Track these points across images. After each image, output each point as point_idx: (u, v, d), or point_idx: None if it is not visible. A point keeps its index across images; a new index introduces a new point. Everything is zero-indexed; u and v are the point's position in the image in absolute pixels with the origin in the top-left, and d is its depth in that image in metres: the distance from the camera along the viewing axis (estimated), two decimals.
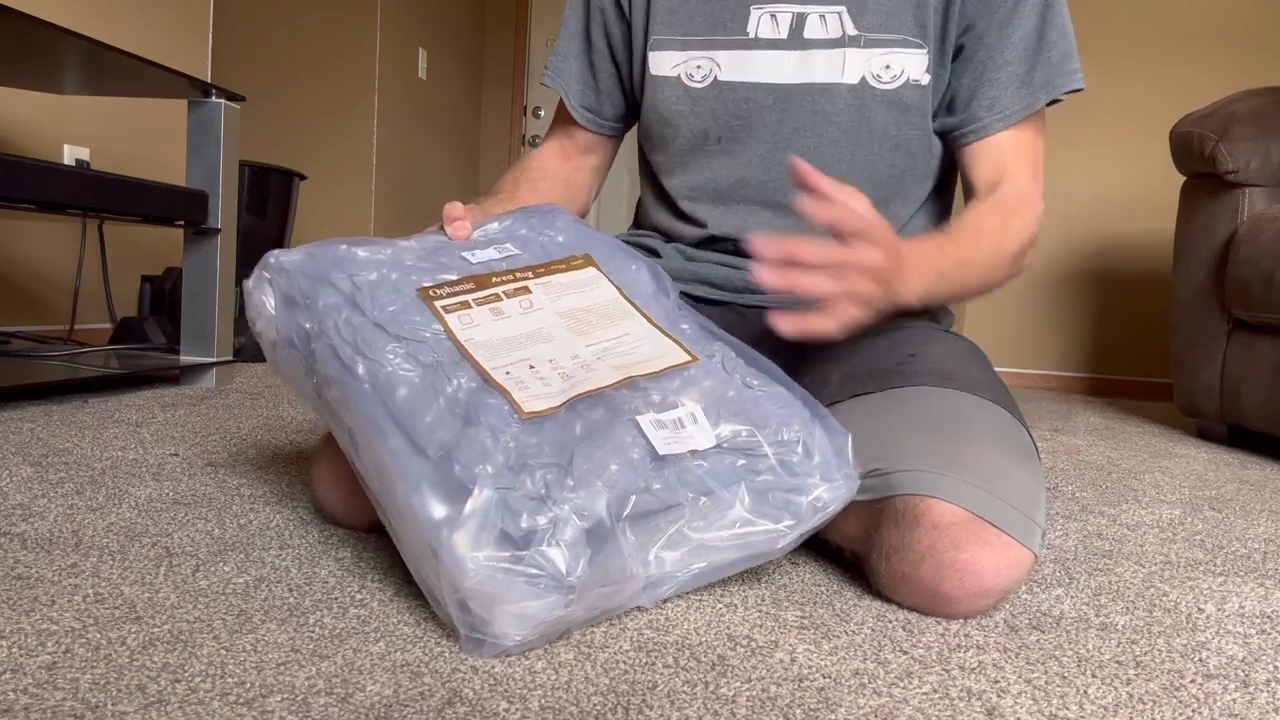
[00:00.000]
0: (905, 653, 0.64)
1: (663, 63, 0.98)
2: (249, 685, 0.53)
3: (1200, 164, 1.92)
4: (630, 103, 1.07)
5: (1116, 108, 2.99)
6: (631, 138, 1.11)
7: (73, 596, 0.65)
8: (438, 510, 0.59)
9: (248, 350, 2.21)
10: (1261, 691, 0.61)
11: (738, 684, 0.57)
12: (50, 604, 0.63)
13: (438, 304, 0.72)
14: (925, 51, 0.90)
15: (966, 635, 0.68)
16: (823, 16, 0.92)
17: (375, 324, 0.70)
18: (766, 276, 0.67)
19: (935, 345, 0.86)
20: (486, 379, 0.67)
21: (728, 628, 0.66)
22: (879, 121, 0.92)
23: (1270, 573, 0.91)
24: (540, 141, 1.13)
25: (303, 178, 2.93)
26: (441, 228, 0.83)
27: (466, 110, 4.56)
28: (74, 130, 2.22)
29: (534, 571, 0.57)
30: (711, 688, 0.56)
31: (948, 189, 1.02)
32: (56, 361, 1.73)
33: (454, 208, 0.83)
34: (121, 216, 1.60)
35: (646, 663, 0.59)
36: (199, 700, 0.50)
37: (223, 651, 0.57)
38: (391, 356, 0.68)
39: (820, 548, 0.84)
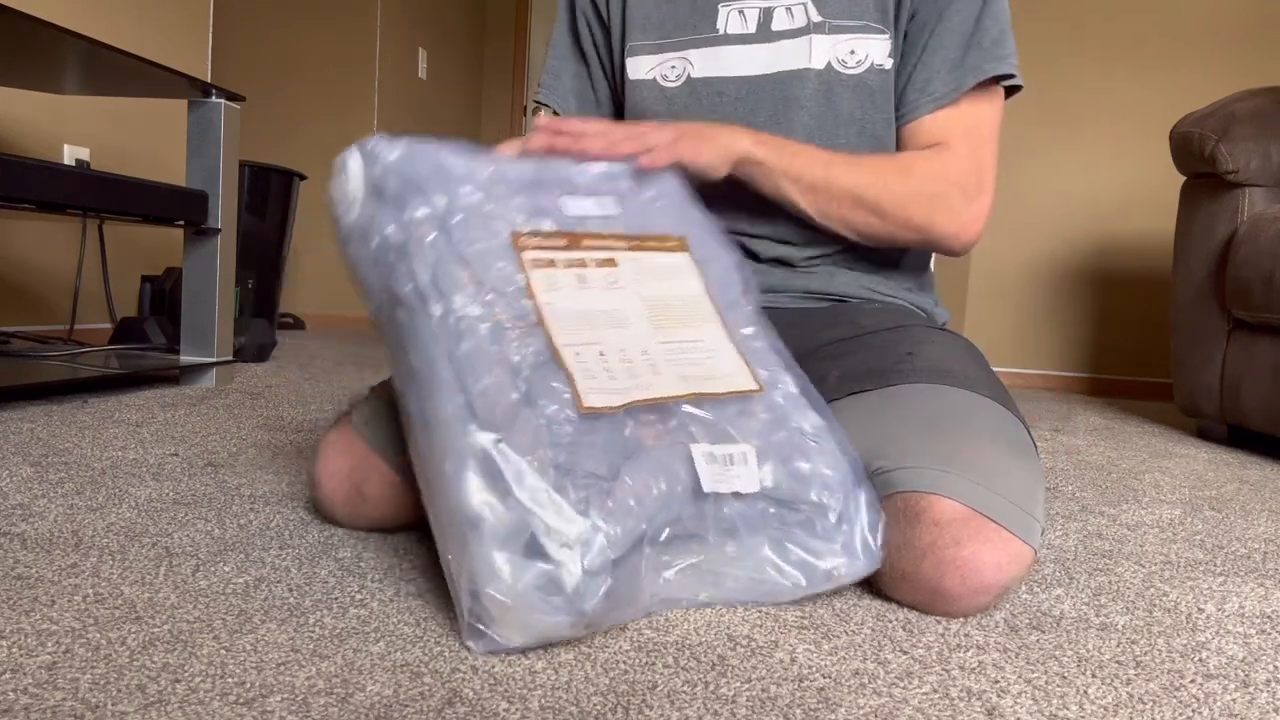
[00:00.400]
0: (905, 653, 0.64)
1: (639, 67, 1.00)
2: (249, 685, 0.53)
3: (1200, 164, 1.92)
4: (620, 108, 1.08)
5: (1116, 108, 2.98)
6: None
7: (73, 596, 0.65)
8: (477, 495, 0.59)
9: (248, 350, 2.21)
10: (1261, 691, 0.61)
11: (738, 684, 0.57)
12: (50, 604, 0.63)
13: (525, 255, 0.69)
14: (888, 37, 0.92)
15: (966, 635, 0.68)
16: (789, 9, 0.94)
17: (460, 258, 0.67)
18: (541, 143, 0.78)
19: (933, 344, 0.86)
20: (555, 355, 0.65)
21: (728, 628, 0.66)
22: (846, 106, 0.94)
23: (1270, 573, 0.91)
24: None
25: (303, 178, 2.93)
26: (542, 148, 0.80)
27: (466, 110, 4.56)
28: (74, 130, 2.22)
29: (552, 591, 0.57)
30: (711, 688, 0.56)
31: None
32: (56, 361, 1.73)
33: (557, 121, 0.82)
34: (121, 216, 1.60)
35: (646, 663, 0.59)
36: (199, 700, 0.50)
37: (223, 651, 0.57)
38: (466, 301, 0.65)
39: None
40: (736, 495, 0.66)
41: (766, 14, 0.95)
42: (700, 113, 0.97)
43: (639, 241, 0.76)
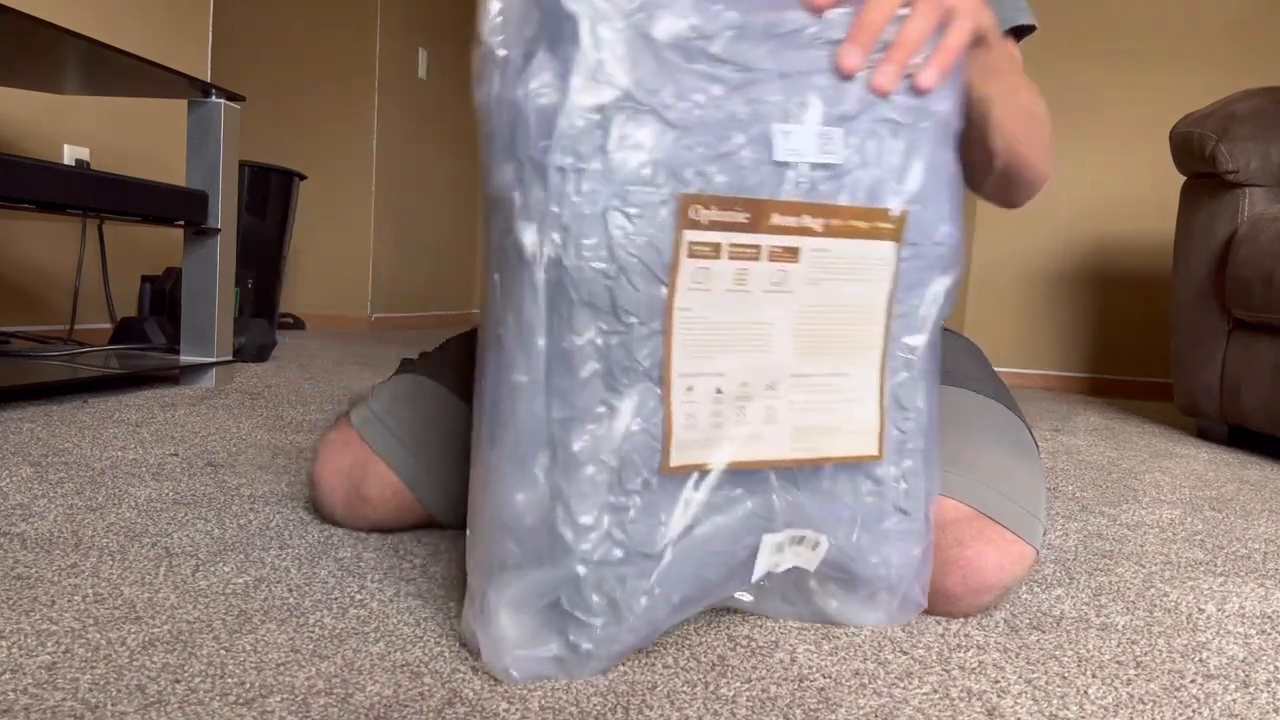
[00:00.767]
0: (905, 653, 0.64)
1: None
2: (249, 685, 0.53)
3: (1200, 164, 1.92)
4: None
5: (1116, 108, 2.98)
6: None
7: (73, 596, 0.65)
8: (519, 532, 0.54)
9: (248, 350, 2.21)
10: (1262, 692, 0.61)
11: (738, 684, 0.57)
12: (50, 604, 0.63)
13: (689, 236, 0.53)
14: None
15: (966, 635, 0.68)
16: None
17: (612, 200, 0.51)
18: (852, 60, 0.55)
19: None
20: (664, 383, 0.54)
21: (728, 628, 0.66)
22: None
23: (1270, 573, 0.91)
24: None
25: (303, 178, 2.93)
26: None
27: (466, 110, 4.56)
28: (74, 130, 2.22)
29: (557, 668, 0.55)
30: (711, 688, 0.56)
31: None
32: (56, 361, 1.73)
33: None
34: (121, 216, 1.60)
35: (646, 663, 0.59)
36: (199, 700, 0.50)
37: (222, 651, 0.57)
38: (586, 273, 0.52)
39: None
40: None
41: None
42: None
43: (842, 219, 0.57)
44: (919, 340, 0.63)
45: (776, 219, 0.55)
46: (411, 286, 4.17)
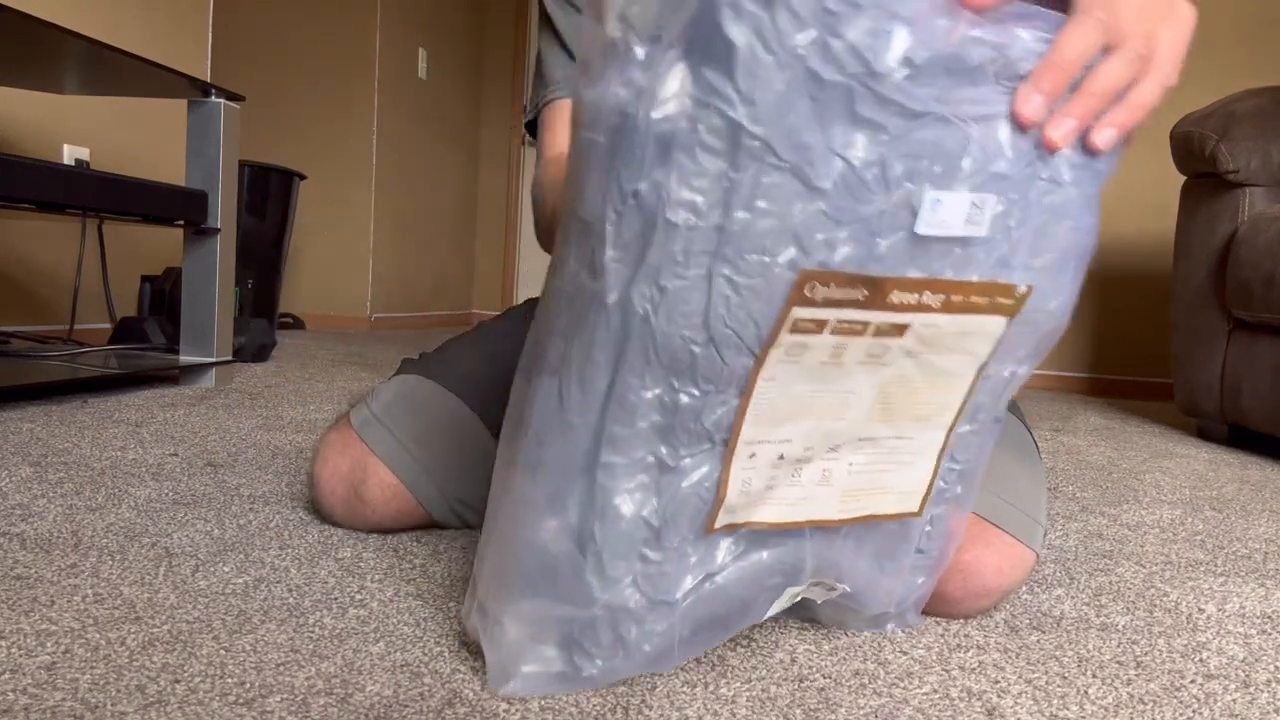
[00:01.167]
0: (905, 653, 0.64)
1: None
2: (249, 685, 0.53)
3: (1200, 164, 1.92)
4: None
5: None
6: None
7: (72, 596, 0.65)
8: (543, 564, 0.51)
9: (247, 350, 2.21)
10: (1262, 692, 0.61)
11: (738, 684, 0.57)
12: (50, 604, 0.63)
13: (796, 312, 0.46)
14: None
15: (966, 635, 0.68)
16: None
17: (722, 267, 0.44)
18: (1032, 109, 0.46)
19: None
20: (729, 447, 0.50)
21: None
22: None
23: (1270, 573, 0.91)
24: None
25: (303, 178, 2.93)
26: None
27: (466, 110, 4.56)
28: (74, 130, 2.22)
29: (556, 683, 0.54)
30: (711, 688, 0.56)
31: None
32: (56, 361, 1.73)
33: None
34: (121, 216, 1.60)
35: None
36: (199, 700, 0.50)
37: (222, 652, 0.57)
38: (674, 340, 0.46)
39: None
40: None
41: None
42: None
43: (964, 296, 0.49)
44: (996, 399, 0.57)
45: (895, 296, 0.48)
46: (411, 286, 4.17)
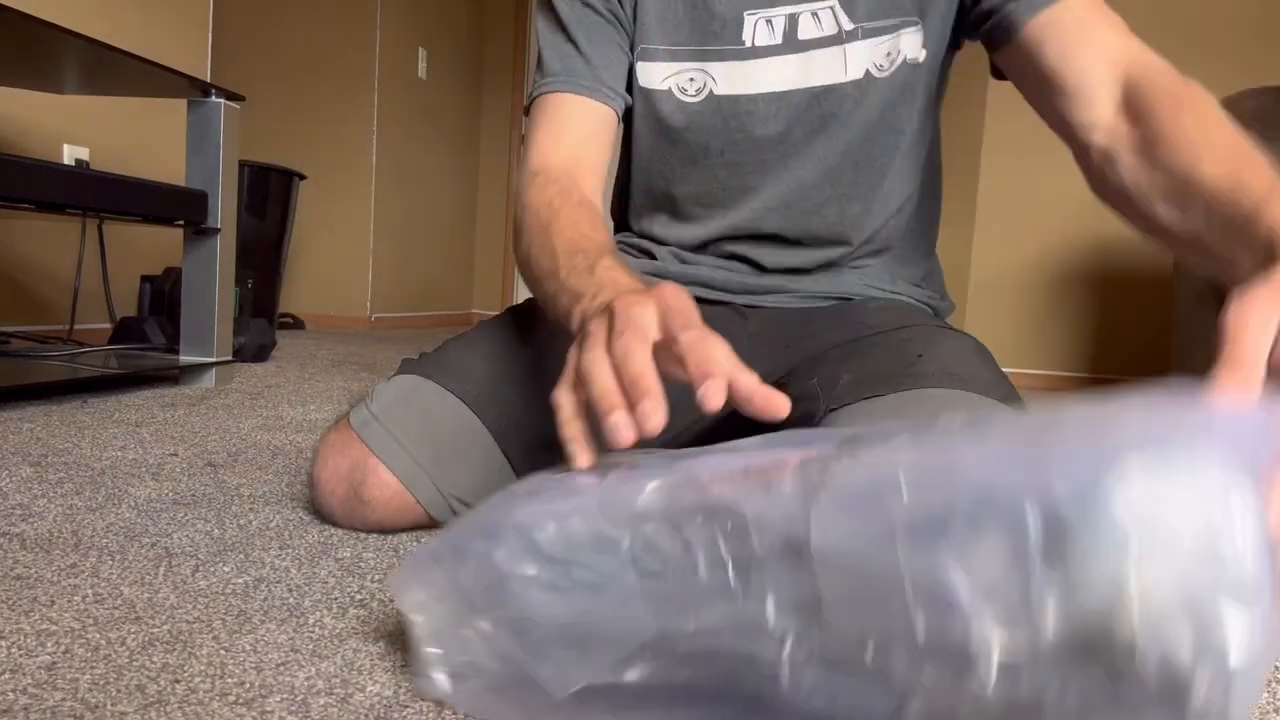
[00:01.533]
0: None
1: (652, 74, 0.91)
2: (249, 685, 0.53)
3: None
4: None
5: None
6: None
7: (72, 596, 0.65)
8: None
9: (247, 350, 2.21)
10: (1262, 692, 0.61)
11: None
12: (50, 604, 0.63)
13: None
14: (919, 27, 0.86)
15: None
16: (815, 14, 0.87)
17: None
18: None
19: (942, 345, 0.85)
20: None
21: None
22: (882, 109, 0.88)
23: None
24: (541, 164, 0.86)
25: (302, 178, 2.94)
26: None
27: (466, 110, 4.56)
28: (74, 130, 2.22)
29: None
30: None
31: (936, 190, 1.00)
32: (56, 361, 1.73)
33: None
34: (121, 216, 1.60)
35: None
36: (199, 700, 0.50)
37: (222, 651, 0.57)
38: None
39: None
40: None
41: (792, 21, 0.86)
42: (726, 132, 0.90)
43: None
44: None
45: None
46: (411, 286, 4.17)
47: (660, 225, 1.00)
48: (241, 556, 0.76)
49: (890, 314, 0.91)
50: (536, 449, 0.80)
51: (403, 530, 0.85)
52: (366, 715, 0.50)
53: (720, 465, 0.46)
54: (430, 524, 0.85)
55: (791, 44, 0.87)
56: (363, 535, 0.84)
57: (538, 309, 0.86)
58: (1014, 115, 2.97)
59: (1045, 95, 0.78)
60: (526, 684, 0.47)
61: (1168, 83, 0.69)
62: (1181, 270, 2.00)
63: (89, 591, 0.66)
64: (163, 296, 2.20)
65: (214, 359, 1.77)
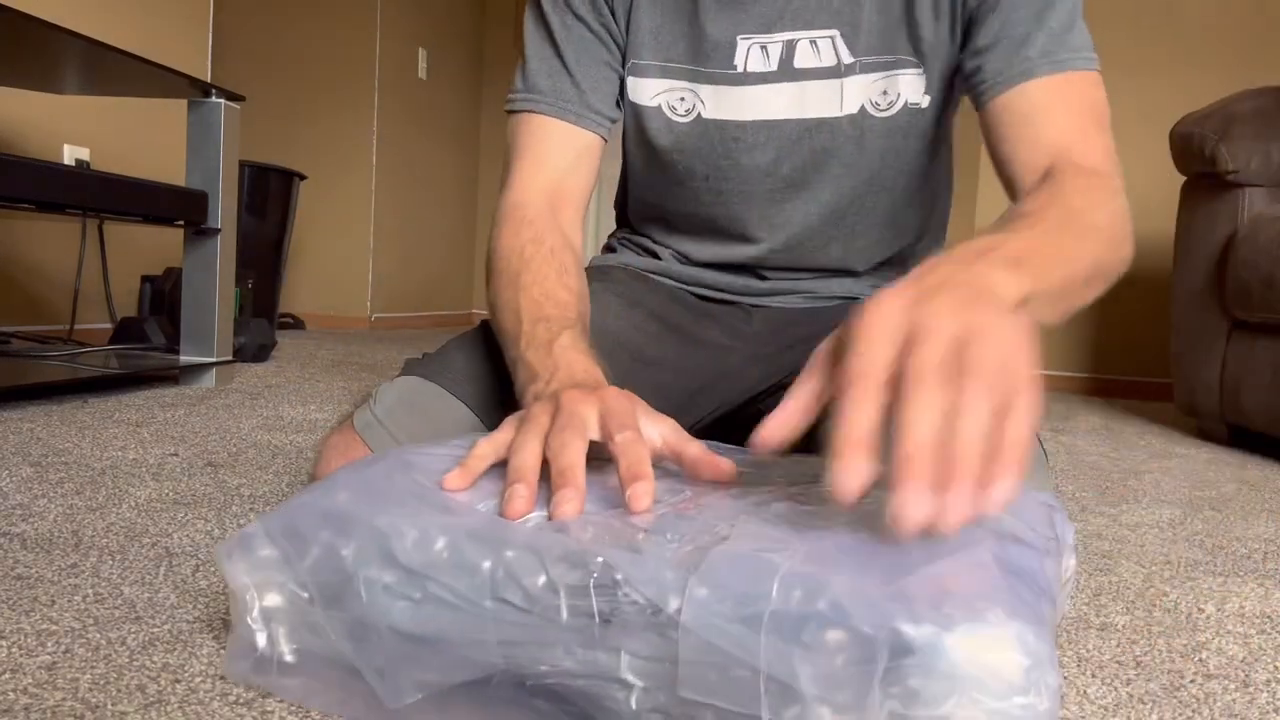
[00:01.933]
0: None
1: (643, 90, 0.89)
2: (249, 685, 0.53)
3: (1200, 164, 1.92)
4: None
5: (1117, 108, 2.97)
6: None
7: (73, 596, 0.65)
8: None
9: (248, 350, 2.22)
10: (1261, 692, 0.61)
11: None
12: (50, 604, 0.63)
13: None
14: (920, 72, 0.84)
15: None
16: (814, 43, 0.84)
17: None
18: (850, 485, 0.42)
19: None
20: None
21: None
22: (879, 151, 0.86)
23: (1270, 573, 0.91)
24: (518, 189, 0.85)
25: (303, 178, 2.94)
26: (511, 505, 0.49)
27: (466, 110, 4.56)
28: (74, 130, 2.22)
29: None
30: None
31: (946, 207, 1.01)
32: (56, 361, 1.73)
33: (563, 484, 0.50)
34: (121, 216, 1.60)
35: None
36: (199, 700, 0.50)
37: (223, 651, 0.57)
38: None
39: None
40: None
41: (789, 48, 0.84)
42: (713, 157, 0.88)
43: None
44: None
45: None
46: (411, 286, 4.17)
47: (659, 232, 1.00)
48: None
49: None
50: None
51: None
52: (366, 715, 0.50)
53: (599, 517, 0.49)
54: None
55: (787, 72, 0.85)
56: None
57: None
58: None
59: (997, 169, 0.81)
60: (356, 686, 0.48)
61: (1077, 174, 0.74)
62: (1181, 270, 2.00)
63: (89, 591, 0.66)
64: (163, 296, 2.20)
65: (214, 359, 1.77)
